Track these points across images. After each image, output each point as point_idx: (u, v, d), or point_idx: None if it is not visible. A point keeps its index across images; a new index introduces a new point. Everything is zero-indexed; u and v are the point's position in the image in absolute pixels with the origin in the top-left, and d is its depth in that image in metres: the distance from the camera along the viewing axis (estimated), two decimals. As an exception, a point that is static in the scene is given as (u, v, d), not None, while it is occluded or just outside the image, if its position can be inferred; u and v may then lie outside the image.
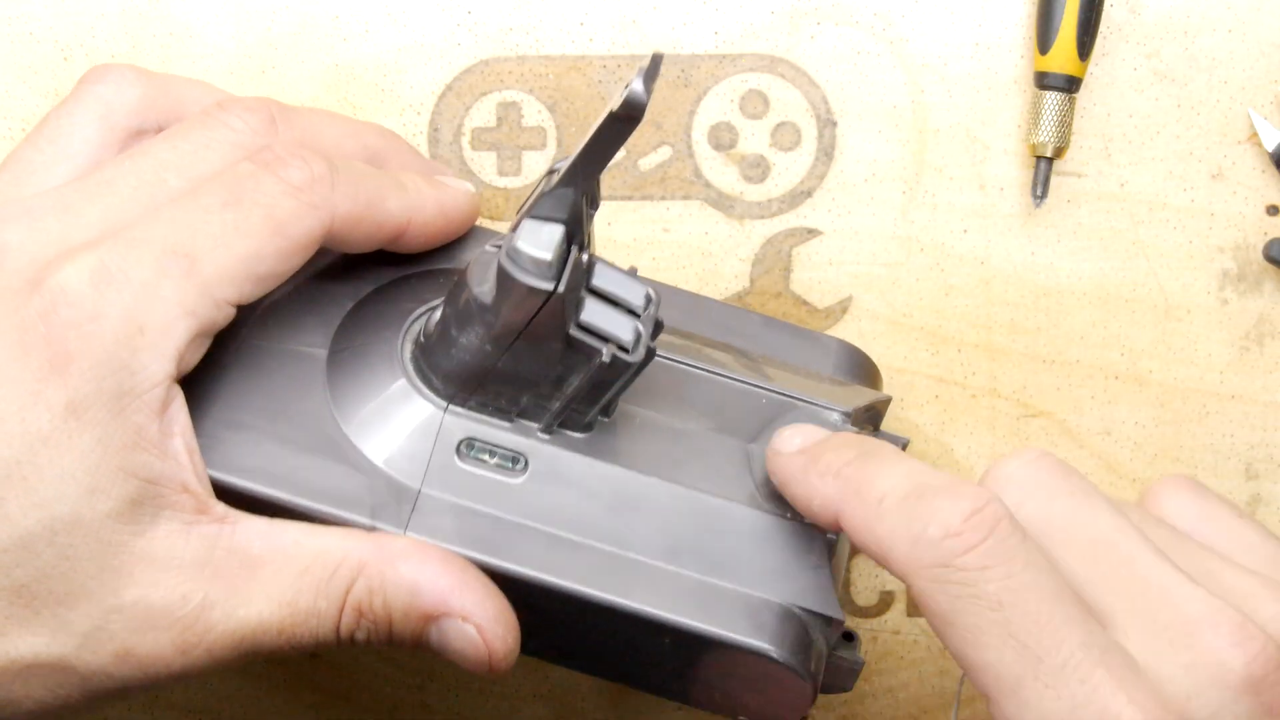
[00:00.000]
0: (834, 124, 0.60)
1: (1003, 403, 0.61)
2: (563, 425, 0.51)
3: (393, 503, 0.49)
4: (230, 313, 0.48)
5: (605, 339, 0.48)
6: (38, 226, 0.47)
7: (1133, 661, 0.45)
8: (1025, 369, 0.61)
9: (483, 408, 0.50)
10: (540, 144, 0.60)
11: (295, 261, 0.49)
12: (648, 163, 0.60)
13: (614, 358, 0.48)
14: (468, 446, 0.50)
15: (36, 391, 0.45)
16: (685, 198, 0.60)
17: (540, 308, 0.47)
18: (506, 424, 0.50)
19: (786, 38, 0.60)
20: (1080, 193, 0.60)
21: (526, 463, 0.50)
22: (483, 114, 0.60)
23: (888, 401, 0.56)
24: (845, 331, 0.61)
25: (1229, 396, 0.61)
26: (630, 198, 0.60)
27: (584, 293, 0.49)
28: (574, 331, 0.48)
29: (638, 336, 0.49)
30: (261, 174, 0.49)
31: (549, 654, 0.52)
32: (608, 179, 0.60)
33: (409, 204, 0.52)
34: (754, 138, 0.60)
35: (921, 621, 0.61)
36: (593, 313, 0.49)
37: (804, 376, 0.55)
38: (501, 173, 0.60)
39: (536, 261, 0.47)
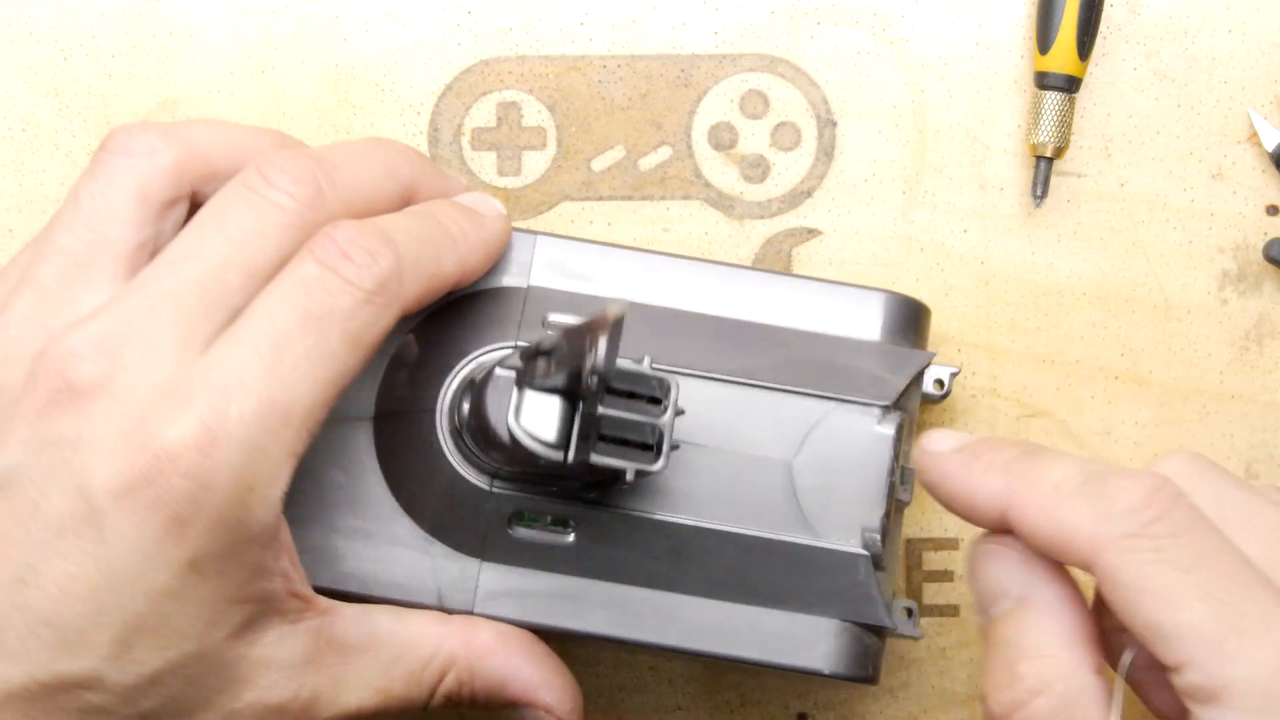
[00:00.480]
0: (834, 124, 0.60)
1: (1003, 403, 0.61)
2: (601, 487, 0.52)
3: (457, 580, 0.52)
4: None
5: (626, 462, 0.49)
6: (118, 363, 0.46)
7: None
8: (1025, 369, 0.61)
9: (525, 482, 0.52)
10: (540, 144, 0.60)
11: (370, 359, 0.49)
12: (648, 163, 0.60)
13: (637, 472, 0.49)
14: (517, 517, 0.53)
15: (156, 552, 0.46)
16: (685, 198, 0.60)
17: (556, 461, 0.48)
18: (550, 489, 0.52)
19: (786, 38, 0.60)
20: (1080, 193, 0.60)
21: (574, 524, 0.53)
22: (483, 114, 0.60)
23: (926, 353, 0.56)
24: (845, 331, 0.61)
25: (1229, 396, 0.61)
26: (630, 198, 0.60)
27: (600, 405, 0.49)
28: (596, 460, 0.49)
29: (659, 443, 0.49)
30: (329, 279, 0.47)
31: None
32: (608, 178, 0.60)
33: (461, 258, 0.52)
34: (754, 138, 0.60)
35: (921, 621, 0.61)
36: (604, 446, 0.49)
37: (843, 356, 0.55)
38: (501, 173, 0.60)
39: (542, 441, 0.48)
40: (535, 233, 0.54)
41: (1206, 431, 0.61)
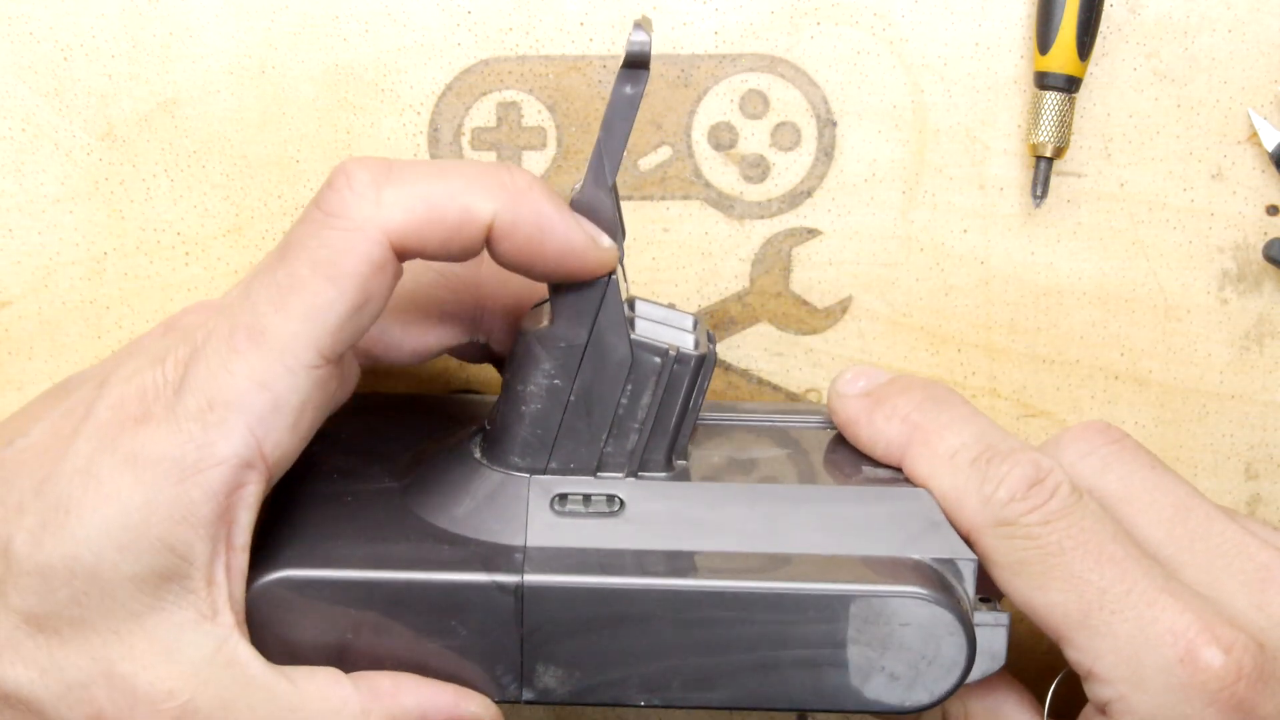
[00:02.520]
0: (834, 124, 0.60)
1: (1003, 403, 0.61)
2: (644, 469, 0.51)
3: (503, 558, 0.48)
4: (322, 379, 0.46)
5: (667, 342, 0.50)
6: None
7: (1198, 593, 0.48)
8: (1025, 369, 0.61)
9: (564, 470, 0.51)
10: (540, 144, 0.60)
11: (370, 298, 0.46)
12: (647, 163, 0.60)
13: (679, 353, 0.49)
14: (560, 500, 0.50)
15: (112, 437, 0.46)
16: (685, 198, 0.60)
17: (598, 308, 0.48)
18: (590, 478, 0.51)
19: (786, 38, 0.60)
20: (1080, 193, 0.60)
21: (621, 502, 0.50)
22: (483, 114, 0.60)
23: None
24: (845, 331, 0.61)
25: (1229, 396, 0.61)
26: (630, 198, 0.60)
27: (632, 314, 0.50)
28: (636, 336, 0.49)
29: (695, 340, 0.50)
30: (308, 211, 0.46)
31: (662, 694, 0.50)
32: (608, 179, 0.60)
33: (495, 198, 0.47)
34: (754, 138, 0.60)
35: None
36: (646, 329, 0.50)
37: None
38: (501, 173, 0.60)
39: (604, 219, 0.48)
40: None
41: (1206, 431, 0.61)
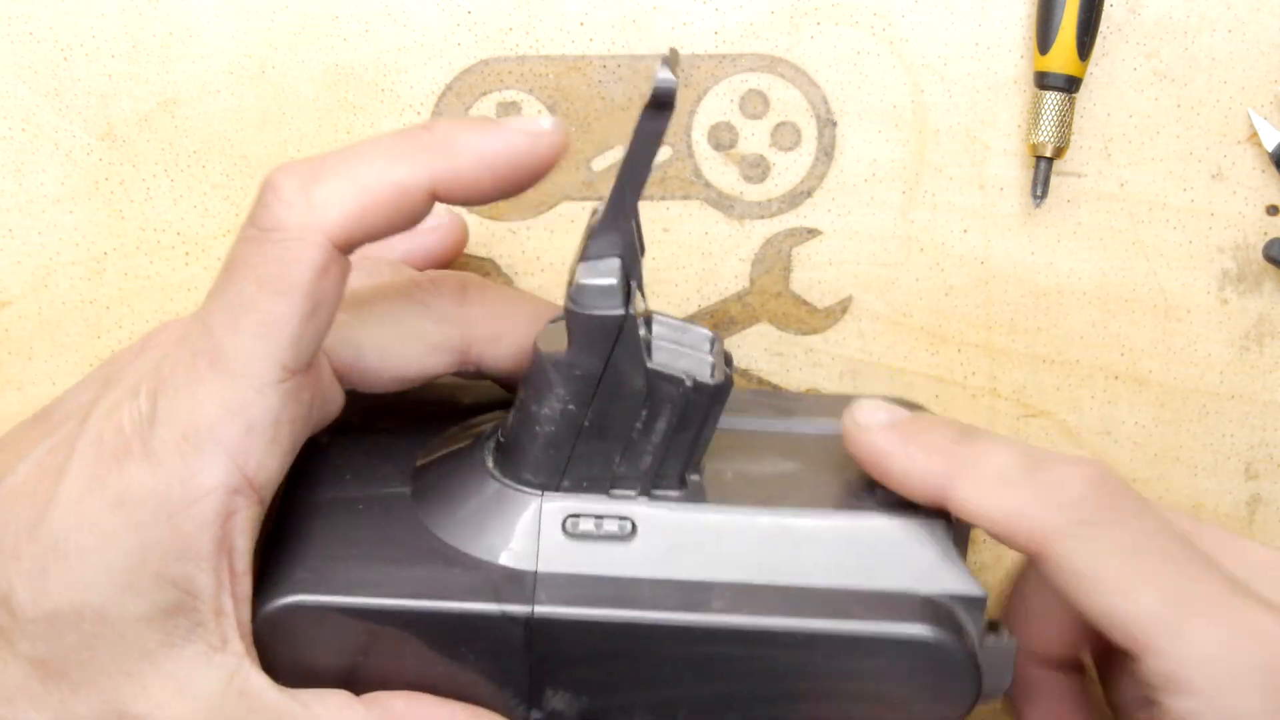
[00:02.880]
0: (834, 124, 0.60)
1: (1003, 403, 0.61)
2: (657, 486, 0.50)
3: (514, 585, 0.48)
4: (292, 392, 0.46)
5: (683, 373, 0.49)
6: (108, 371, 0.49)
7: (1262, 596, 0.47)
8: (1025, 369, 0.61)
9: (577, 488, 0.50)
10: (540, 144, 0.60)
11: (321, 302, 0.45)
12: (648, 163, 0.60)
13: (696, 383, 0.48)
14: (573, 522, 0.50)
15: (98, 476, 0.45)
16: (685, 198, 0.60)
17: (615, 341, 0.48)
18: (603, 497, 0.50)
19: (786, 38, 0.60)
20: (1080, 193, 0.60)
21: (634, 525, 0.50)
22: (483, 114, 0.60)
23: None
24: (845, 331, 0.61)
25: (1229, 396, 0.61)
26: (630, 198, 0.60)
27: (649, 335, 0.49)
28: (652, 365, 0.48)
29: (713, 365, 0.49)
30: (245, 228, 0.45)
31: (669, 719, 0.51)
32: (608, 178, 0.60)
33: (430, 166, 0.45)
34: (754, 138, 0.60)
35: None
36: (663, 353, 0.49)
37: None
38: (501, 173, 0.60)
39: (601, 290, 0.47)
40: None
41: (1206, 431, 0.61)
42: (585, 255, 0.48)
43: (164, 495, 0.45)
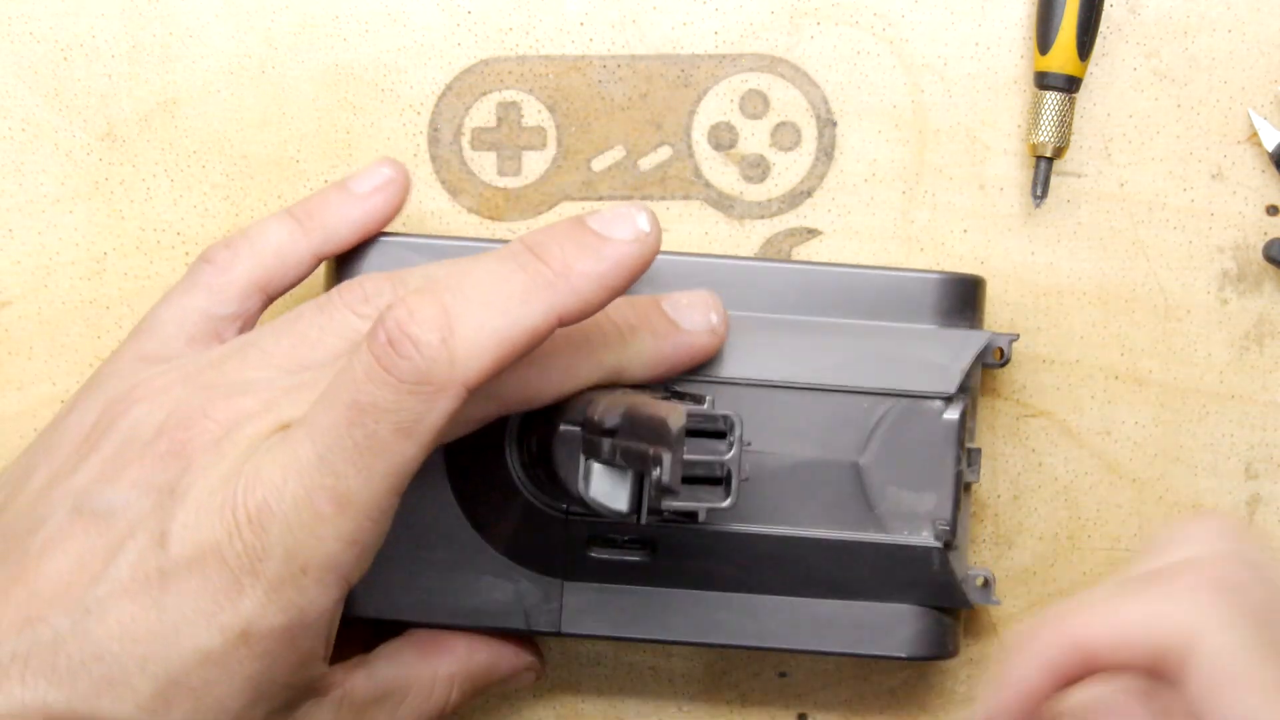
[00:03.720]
0: (834, 124, 0.60)
1: (1002, 403, 0.61)
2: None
3: (541, 603, 0.55)
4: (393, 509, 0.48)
5: (697, 504, 0.48)
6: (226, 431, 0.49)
7: None
8: (1025, 369, 0.61)
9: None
10: (540, 144, 0.60)
11: (441, 442, 0.48)
12: (647, 163, 0.60)
13: (709, 512, 0.48)
14: (595, 539, 0.55)
15: (211, 614, 0.47)
16: (685, 198, 0.60)
17: (641, 486, 0.48)
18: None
19: (786, 38, 0.60)
20: (1080, 193, 0.60)
21: (654, 544, 0.55)
22: (483, 114, 0.60)
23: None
24: (845, 331, 0.61)
25: (1229, 396, 0.61)
26: (630, 198, 0.60)
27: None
28: (668, 506, 0.47)
29: (728, 479, 0.47)
30: (374, 372, 0.46)
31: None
32: (608, 178, 0.60)
33: (558, 304, 0.47)
34: (754, 138, 0.60)
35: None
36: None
37: (901, 347, 0.55)
38: (501, 173, 0.60)
39: (614, 510, 0.48)
40: None
41: (1206, 431, 0.61)
42: (599, 456, 0.47)
43: (284, 626, 0.47)
